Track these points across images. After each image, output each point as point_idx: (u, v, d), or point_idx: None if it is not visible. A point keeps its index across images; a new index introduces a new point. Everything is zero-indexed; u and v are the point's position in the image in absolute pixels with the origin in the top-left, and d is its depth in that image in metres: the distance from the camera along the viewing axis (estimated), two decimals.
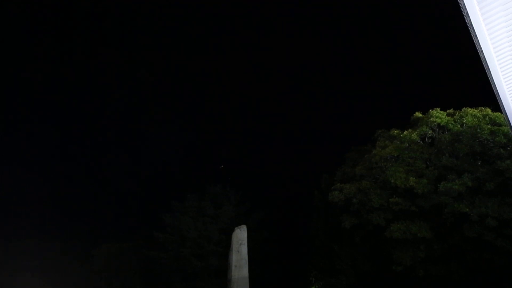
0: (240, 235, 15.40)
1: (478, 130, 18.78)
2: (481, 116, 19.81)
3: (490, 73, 7.38)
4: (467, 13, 5.69)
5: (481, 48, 6.57)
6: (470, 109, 20.78)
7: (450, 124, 20.22)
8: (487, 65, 7.12)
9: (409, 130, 21.32)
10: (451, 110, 21.71)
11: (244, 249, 15.07)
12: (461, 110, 21.16)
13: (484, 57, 6.83)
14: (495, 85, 7.87)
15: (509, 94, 8.24)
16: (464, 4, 5.52)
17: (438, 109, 21.45)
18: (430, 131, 20.85)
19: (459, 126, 20.08)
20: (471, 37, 6.34)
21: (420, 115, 22.35)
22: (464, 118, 20.07)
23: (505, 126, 18.35)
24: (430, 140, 21.21)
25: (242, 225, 16.11)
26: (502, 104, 8.68)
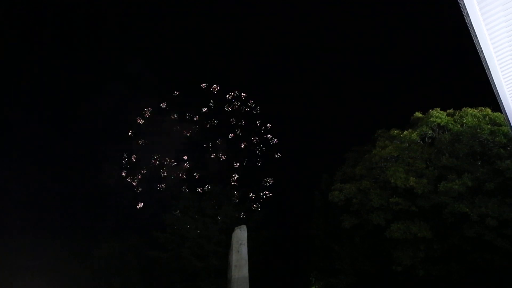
0: (240, 235, 15.40)
1: (478, 130, 18.80)
2: (481, 116, 19.83)
3: (490, 73, 7.39)
4: (467, 13, 5.70)
5: (481, 48, 6.58)
6: (470, 109, 20.80)
7: (450, 124, 20.24)
8: (487, 65, 7.14)
9: (409, 130, 21.34)
10: (451, 110, 21.73)
11: (244, 249, 15.07)
12: (461, 110, 21.18)
13: (484, 57, 6.84)
14: (495, 85, 7.88)
15: (509, 94, 8.25)
16: (464, 4, 5.52)
17: (438, 109, 21.48)
18: (430, 131, 20.87)
19: (459, 126, 20.09)
20: (471, 37, 6.34)
21: (420, 115, 22.37)
22: (464, 118, 20.09)
23: (505, 126, 18.35)
24: (430, 140, 21.23)
25: (242, 225, 16.12)
26: (502, 104, 8.69)
